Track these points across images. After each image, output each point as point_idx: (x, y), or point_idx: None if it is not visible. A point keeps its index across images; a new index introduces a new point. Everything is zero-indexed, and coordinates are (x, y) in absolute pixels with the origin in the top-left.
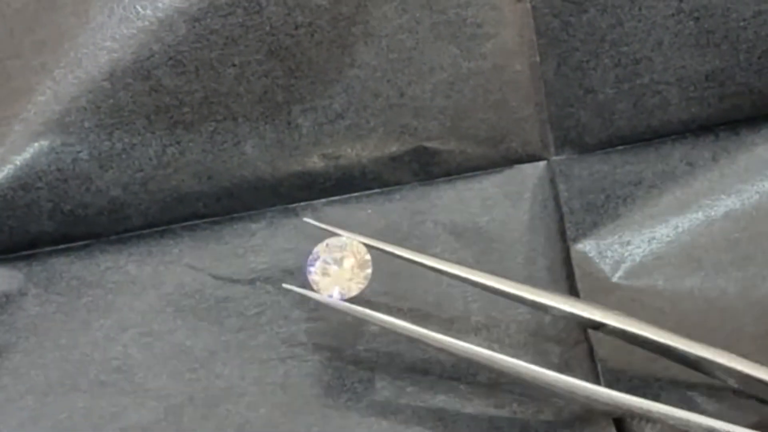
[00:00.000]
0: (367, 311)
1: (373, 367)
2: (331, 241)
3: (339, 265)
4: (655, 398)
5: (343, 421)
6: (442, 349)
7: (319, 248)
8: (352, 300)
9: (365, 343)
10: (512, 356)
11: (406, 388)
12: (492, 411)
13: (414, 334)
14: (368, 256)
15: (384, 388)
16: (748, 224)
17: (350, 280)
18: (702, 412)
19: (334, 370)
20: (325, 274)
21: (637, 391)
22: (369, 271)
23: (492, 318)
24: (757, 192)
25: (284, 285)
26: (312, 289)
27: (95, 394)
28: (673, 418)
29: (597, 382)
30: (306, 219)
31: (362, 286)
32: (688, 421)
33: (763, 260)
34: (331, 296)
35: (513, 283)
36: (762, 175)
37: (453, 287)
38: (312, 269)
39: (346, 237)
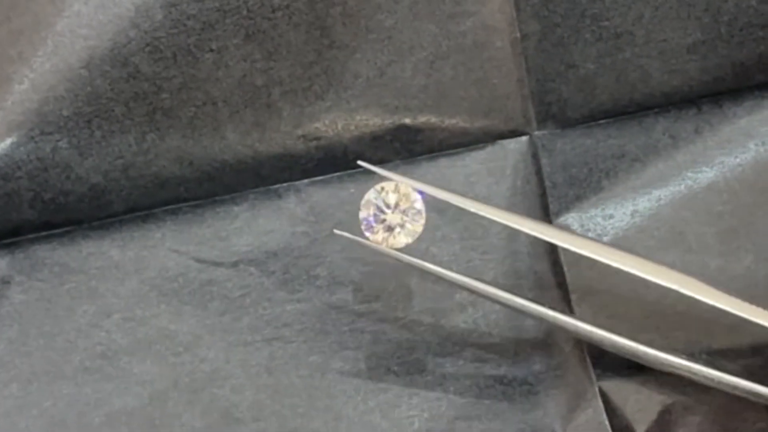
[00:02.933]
0: (419, 261)
1: (358, 347)
2: (385, 185)
3: (392, 210)
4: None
5: (330, 402)
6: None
7: (371, 193)
8: (403, 249)
9: (350, 323)
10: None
11: (391, 367)
12: (478, 390)
13: (468, 286)
14: (422, 205)
15: (369, 369)
16: (731, 197)
17: (403, 225)
18: None
19: (319, 352)
20: (378, 220)
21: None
22: (422, 218)
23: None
24: (740, 165)
25: (336, 231)
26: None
27: (80, 381)
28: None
29: (581, 355)
30: (360, 162)
31: (417, 233)
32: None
33: (745, 234)
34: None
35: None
36: (745, 147)
37: None
38: (364, 215)
39: (399, 181)
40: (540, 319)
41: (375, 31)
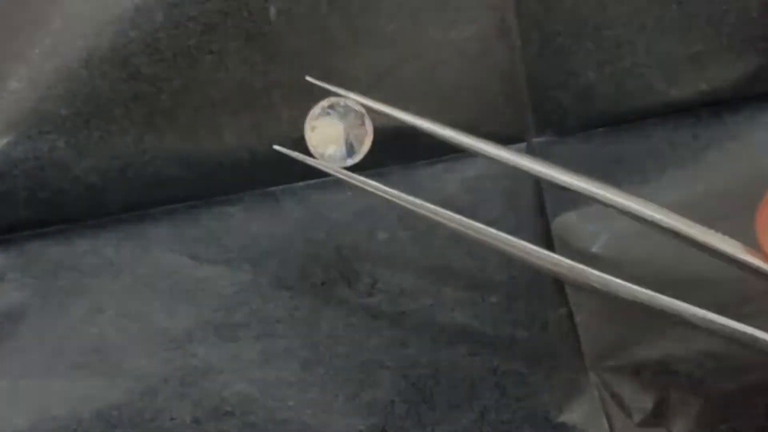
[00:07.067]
0: (359, 177)
1: (350, 340)
2: (333, 99)
3: (341, 122)
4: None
5: (321, 395)
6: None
7: (318, 106)
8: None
9: (344, 318)
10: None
11: (384, 361)
12: (472, 381)
13: (408, 204)
14: (368, 120)
15: (362, 362)
16: (730, 200)
17: (350, 139)
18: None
19: (311, 345)
20: (323, 130)
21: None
22: (370, 132)
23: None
24: (739, 169)
25: (275, 146)
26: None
27: (71, 377)
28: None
29: (575, 345)
30: (308, 78)
31: (364, 150)
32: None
33: (744, 236)
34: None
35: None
36: (743, 153)
37: None
38: (309, 126)
39: (347, 96)
40: (516, 256)
41: (376, 36)
